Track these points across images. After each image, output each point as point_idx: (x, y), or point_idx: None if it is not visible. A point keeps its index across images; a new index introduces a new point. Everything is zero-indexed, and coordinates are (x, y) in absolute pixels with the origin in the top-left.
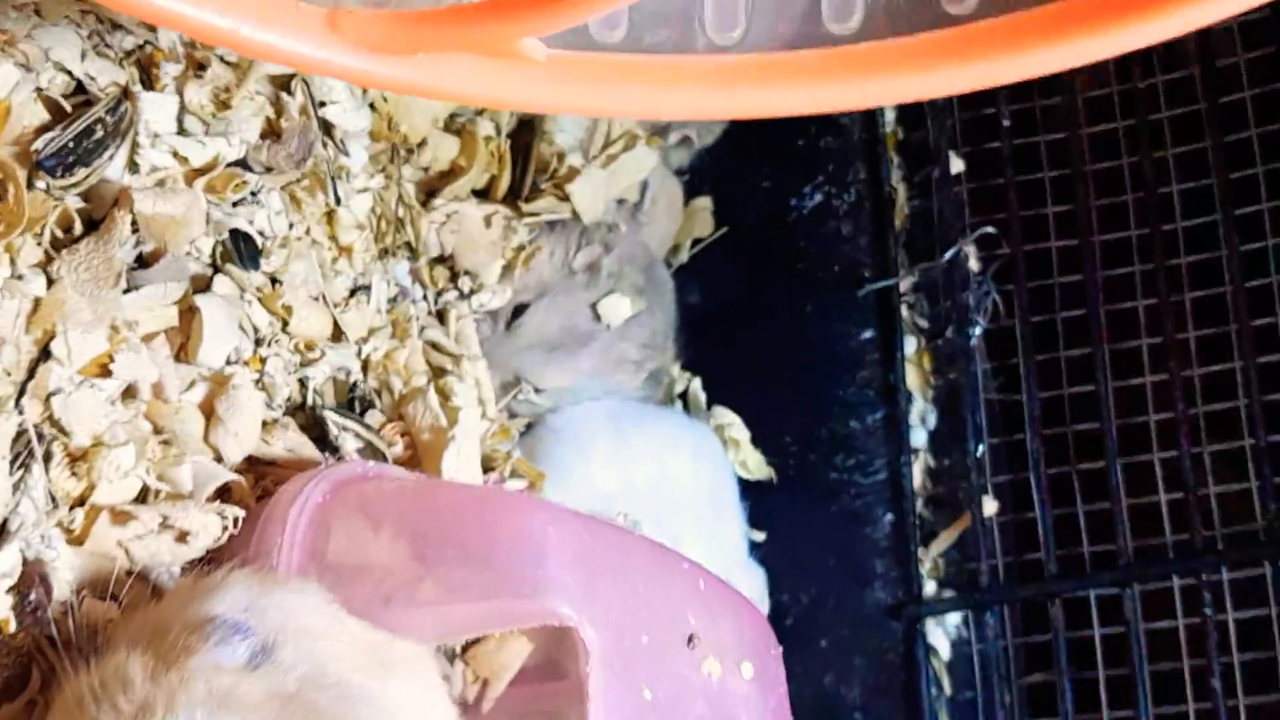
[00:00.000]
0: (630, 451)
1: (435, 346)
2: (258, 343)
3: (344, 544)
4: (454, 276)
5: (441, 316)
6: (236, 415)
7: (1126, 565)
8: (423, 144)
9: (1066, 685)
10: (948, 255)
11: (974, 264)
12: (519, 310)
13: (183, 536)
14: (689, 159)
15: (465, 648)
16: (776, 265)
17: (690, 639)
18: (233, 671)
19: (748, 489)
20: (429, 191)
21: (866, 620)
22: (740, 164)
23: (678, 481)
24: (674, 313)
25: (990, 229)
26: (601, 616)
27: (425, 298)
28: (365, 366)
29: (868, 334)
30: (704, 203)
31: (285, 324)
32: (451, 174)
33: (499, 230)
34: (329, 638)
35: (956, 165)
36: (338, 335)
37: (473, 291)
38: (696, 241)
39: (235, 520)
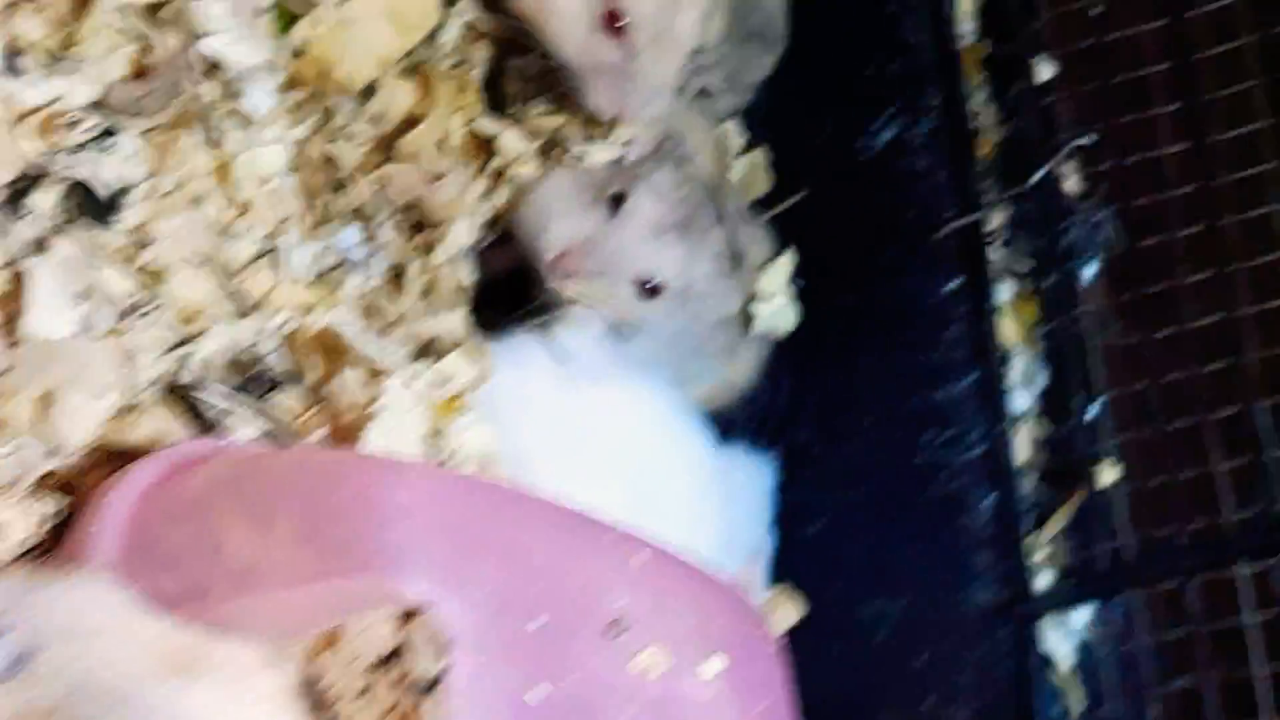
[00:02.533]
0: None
1: (376, 312)
2: (122, 313)
3: (176, 532)
4: (416, 231)
5: (399, 274)
6: (71, 395)
7: None
8: (370, 91)
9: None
10: (1035, 177)
11: (1073, 185)
12: None
13: None
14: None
15: None
16: (844, 215)
17: (612, 624)
18: None
19: (803, 474)
20: (387, 146)
21: (970, 627)
22: (796, 107)
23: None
24: None
25: (1086, 140)
26: (473, 594)
27: (382, 264)
28: (286, 341)
29: (953, 284)
30: (758, 157)
31: (158, 291)
32: (410, 124)
33: (458, 185)
34: (111, 638)
35: (1045, 72)
36: (244, 307)
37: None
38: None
39: (56, 512)
